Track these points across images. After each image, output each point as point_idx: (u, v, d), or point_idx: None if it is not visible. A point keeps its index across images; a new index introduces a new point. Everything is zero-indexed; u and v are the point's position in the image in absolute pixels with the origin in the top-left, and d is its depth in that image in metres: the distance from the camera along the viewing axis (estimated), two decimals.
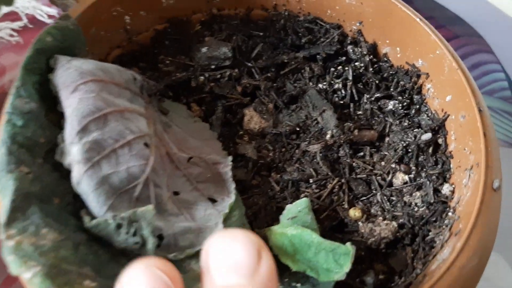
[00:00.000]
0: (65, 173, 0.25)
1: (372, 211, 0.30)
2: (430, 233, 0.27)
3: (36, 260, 0.21)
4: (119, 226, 0.24)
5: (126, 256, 0.24)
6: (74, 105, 0.26)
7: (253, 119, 0.33)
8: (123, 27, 0.32)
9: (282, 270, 0.27)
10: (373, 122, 0.33)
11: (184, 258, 0.25)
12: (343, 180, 0.31)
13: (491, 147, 0.26)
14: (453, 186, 0.28)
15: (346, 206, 0.30)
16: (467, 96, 0.28)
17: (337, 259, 0.26)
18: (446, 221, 0.27)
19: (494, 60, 0.59)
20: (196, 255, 0.25)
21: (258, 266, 0.18)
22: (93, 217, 0.24)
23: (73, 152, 0.25)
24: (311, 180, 0.31)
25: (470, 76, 0.29)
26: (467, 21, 0.62)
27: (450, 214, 0.27)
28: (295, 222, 0.28)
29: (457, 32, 0.60)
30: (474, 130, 0.27)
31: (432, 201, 0.28)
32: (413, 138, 0.31)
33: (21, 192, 0.23)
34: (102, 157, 0.25)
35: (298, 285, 0.26)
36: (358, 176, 0.31)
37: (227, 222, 0.27)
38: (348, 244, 0.26)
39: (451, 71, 0.29)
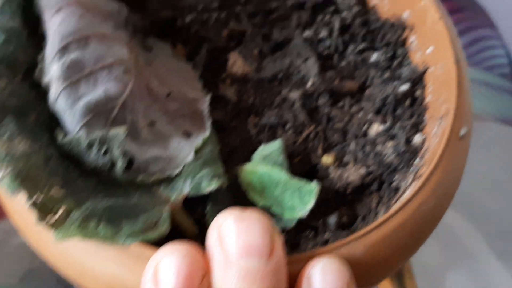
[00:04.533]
0: (43, 92, 0.26)
1: (345, 159, 0.30)
2: (395, 179, 0.28)
3: (7, 163, 0.22)
4: (90, 145, 0.25)
5: (95, 175, 0.25)
6: (56, 25, 0.26)
7: (236, 63, 0.33)
8: None
9: (250, 206, 0.27)
10: (356, 74, 0.33)
11: (153, 184, 0.26)
12: (319, 128, 0.31)
13: (463, 97, 0.27)
14: (425, 136, 0.29)
15: (320, 152, 0.31)
16: (447, 46, 0.28)
17: (302, 197, 0.27)
18: (411, 168, 0.27)
19: (495, 35, 0.58)
20: (165, 181, 0.26)
21: (274, 249, 0.19)
22: (67, 134, 0.25)
23: (52, 70, 0.25)
24: (288, 126, 0.31)
25: (452, 27, 0.29)
26: None
27: (417, 161, 0.27)
28: (266, 161, 0.29)
29: (460, 6, 0.60)
30: (450, 80, 0.27)
31: (402, 150, 0.29)
32: (391, 90, 0.31)
33: None
34: (80, 77, 0.26)
35: None
36: (335, 125, 0.32)
37: (199, 154, 0.27)
38: (314, 182, 0.27)
39: (433, 22, 0.29)
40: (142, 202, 0.24)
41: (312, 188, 0.27)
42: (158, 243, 0.22)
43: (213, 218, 0.26)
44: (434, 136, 0.27)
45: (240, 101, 0.32)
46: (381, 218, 0.23)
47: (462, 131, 0.26)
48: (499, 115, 0.53)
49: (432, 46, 0.29)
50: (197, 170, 0.26)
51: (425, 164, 0.26)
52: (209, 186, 0.25)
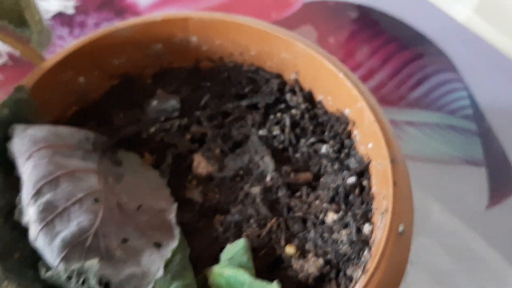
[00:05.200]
0: (24, 230, 0.29)
1: (306, 247, 0.33)
2: (349, 269, 0.31)
3: None
4: (69, 277, 0.27)
5: None
6: (29, 171, 0.29)
7: (200, 164, 0.36)
8: (78, 87, 0.36)
9: None
10: (310, 163, 0.36)
11: None
12: (281, 219, 0.34)
13: (400, 194, 0.29)
14: (372, 226, 0.31)
15: (283, 243, 0.33)
16: (382, 147, 0.31)
17: None
18: (362, 259, 0.30)
19: (457, 78, 0.61)
20: None
21: None
22: (49, 268, 0.28)
23: (29, 213, 0.29)
24: (251, 220, 0.34)
25: (388, 127, 0.32)
26: (432, 39, 0.64)
27: (365, 253, 0.30)
28: (231, 263, 0.32)
29: (421, 51, 0.63)
30: (386, 179, 0.30)
31: (354, 239, 0.31)
32: (342, 180, 0.34)
33: None
34: (55, 216, 0.29)
35: None
36: (295, 214, 0.34)
37: (169, 266, 0.30)
38: (275, 283, 0.30)
39: (369, 123, 0.32)
40: None
41: None
42: None
43: None
44: (379, 228, 0.30)
45: (205, 201, 0.35)
46: None
47: (400, 228, 0.28)
48: (465, 156, 0.55)
49: (372, 143, 0.32)
50: (167, 284, 0.29)
51: (372, 257, 0.29)
52: None
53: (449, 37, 0.65)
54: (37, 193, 0.29)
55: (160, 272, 0.30)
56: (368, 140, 0.33)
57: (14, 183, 0.30)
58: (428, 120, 0.58)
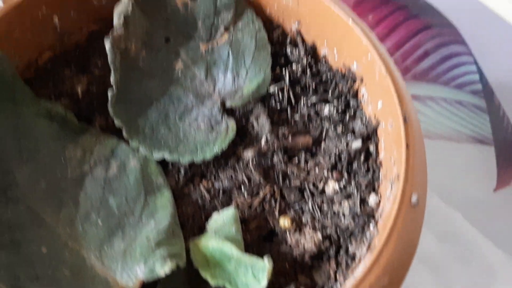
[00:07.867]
0: None
1: (303, 219, 0.29)
2: (351, 246, 0.27)
3: None
4: None
5: None
6: None
7: None
8: (52, 29, 0.31)
9: (202, 284, 0.26)
10: (310, 126, 0.32)
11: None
12: (275, 188, 0.30)
13: (413, 159, 0.25)
14: (379, 197, 0.28)
15: (277, 214, 0.30)
16: (394, 104, 0.27)
17: (255, 274, 0.26)
18: (367, 234, 0.26)
19: (466, 51, 0.57)
20: None
21: None
22: None
23: None
24: (243, 188, 0.30)
25: (401, 82, 0.28)
26: (441, 11, 0.60)
27: (371, 227, 0.26)
28: (218, 234, 0.28)
29: (429, 22, 0.59)
30: (398, 140, 0.26)
31: (358, 212, 0.28)
32: (345, 145, 0.30)
33: None
34: None
35: None
36: (292, 183, 0.31)
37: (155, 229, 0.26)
38: (266, 259, 0.26)
39: (381, 77, 0.28)
40: None
41: (265, 266, 0.26)
42: None
43: None
44: (387, 199, 0.26)
45: (192, 164, 0.31)
46: None
47: (414, 198, 0.25)
48: (473, 133, 0.52)
49: (381, 101, 0.28)
50: (150, 251, 0.25)
51: (379, 233, 0.25)
52: (163, 268, 0.24)
53: (458, 8, 0.61)
54: None
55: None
56: (378, 98, 0.29)
57: None
58: (434, 94, 0.54)
